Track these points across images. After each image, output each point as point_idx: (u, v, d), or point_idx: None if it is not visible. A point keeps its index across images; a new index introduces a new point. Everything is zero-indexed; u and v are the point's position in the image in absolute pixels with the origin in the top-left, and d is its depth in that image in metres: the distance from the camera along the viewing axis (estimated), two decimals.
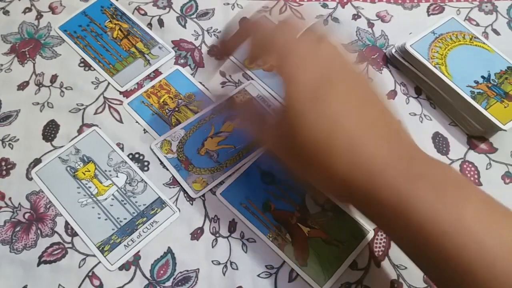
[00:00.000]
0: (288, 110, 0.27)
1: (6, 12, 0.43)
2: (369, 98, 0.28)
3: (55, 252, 0.33)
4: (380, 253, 0.33)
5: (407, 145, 0.27)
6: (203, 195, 0.35)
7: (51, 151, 0.37)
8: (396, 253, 0.33)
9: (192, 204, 0.35)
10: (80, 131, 0.38)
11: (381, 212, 0.25)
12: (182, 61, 0.41)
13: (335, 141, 0.25)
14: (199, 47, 0.42)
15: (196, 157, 0.36)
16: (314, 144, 0.26)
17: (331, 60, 0.27)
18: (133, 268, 0.33)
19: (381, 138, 0.26)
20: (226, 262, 0.33)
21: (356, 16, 0.43)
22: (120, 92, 0.39)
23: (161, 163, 0.36)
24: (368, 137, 0.26)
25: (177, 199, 0.35)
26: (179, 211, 0.34)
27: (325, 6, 0.44)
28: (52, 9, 0.44)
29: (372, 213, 0.28)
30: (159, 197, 0.35)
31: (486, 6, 0.44)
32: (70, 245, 0.33)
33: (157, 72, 0.40)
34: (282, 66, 0.27)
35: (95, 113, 0.38)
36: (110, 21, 0.43)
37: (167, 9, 0.44)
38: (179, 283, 0.32)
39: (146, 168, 0.36)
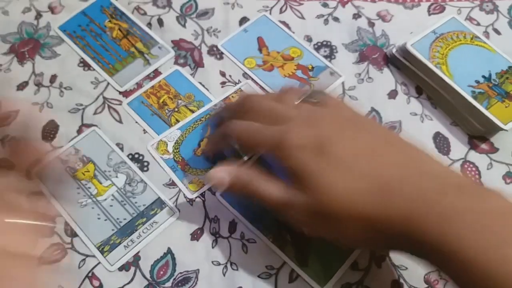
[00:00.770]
0: (304, 181, 0.26)
1: (5, 12, 0.43)
2: (388, 139, 0.28)
3: (55, 252, 0.33)
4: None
5: (442, 177, 0.25)
6: (203, 196, 0.35)
7: (50, 151, 0.37)
8: (397, 253, 0.33)
9: (192, 205, 0.35)
10: (79, 131, 0.37)
11: (424, 251, 0.24)
12: (181, 61, 0.41)
13: (362, 189, 0.25)
14: (198, 47, 0.42)
15: (192, 158, 0.36)
16: (341, 199, 0.25)
17: (323, 118, 0.28)
18: (133, 268, 0.32)
19: (412, 175, 0.25)
20: (226, 263, 0.33)
21: (356, 16, 0.43)
22: (120, 92, 0.39)
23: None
24: (398, 176, 0.25)
25: (177, 199, 0.35)
26: (179, 211, 0.34)
27: (325, 5, 0.44)
28: (51, 9, 0.43)
29: (413, 252, 0.26)
30: (159, 197, 0.35)
31: (487, 6, 0.44)
32: (69, 246, 0.33)
33: (156, 72, 0.40)
34: (284, 161, 0.28)
35: (95, 113, 0.38)
36: (110, 20, 0.43)
37: (167, 8, 0.44)
38: (179, 284, 0.32)
39: (145, 169, 0.36)
